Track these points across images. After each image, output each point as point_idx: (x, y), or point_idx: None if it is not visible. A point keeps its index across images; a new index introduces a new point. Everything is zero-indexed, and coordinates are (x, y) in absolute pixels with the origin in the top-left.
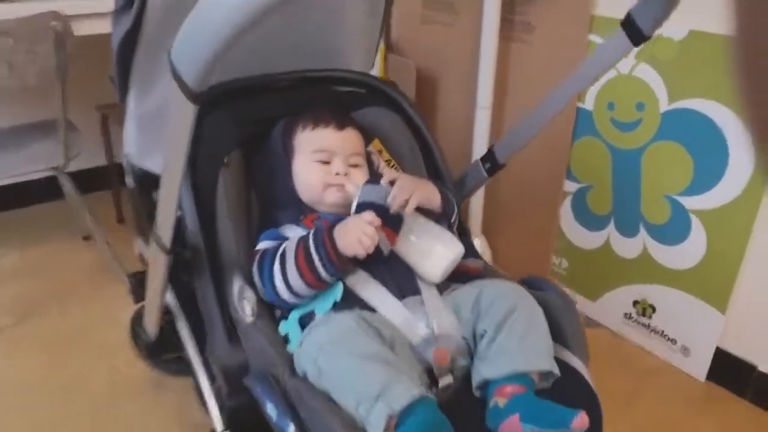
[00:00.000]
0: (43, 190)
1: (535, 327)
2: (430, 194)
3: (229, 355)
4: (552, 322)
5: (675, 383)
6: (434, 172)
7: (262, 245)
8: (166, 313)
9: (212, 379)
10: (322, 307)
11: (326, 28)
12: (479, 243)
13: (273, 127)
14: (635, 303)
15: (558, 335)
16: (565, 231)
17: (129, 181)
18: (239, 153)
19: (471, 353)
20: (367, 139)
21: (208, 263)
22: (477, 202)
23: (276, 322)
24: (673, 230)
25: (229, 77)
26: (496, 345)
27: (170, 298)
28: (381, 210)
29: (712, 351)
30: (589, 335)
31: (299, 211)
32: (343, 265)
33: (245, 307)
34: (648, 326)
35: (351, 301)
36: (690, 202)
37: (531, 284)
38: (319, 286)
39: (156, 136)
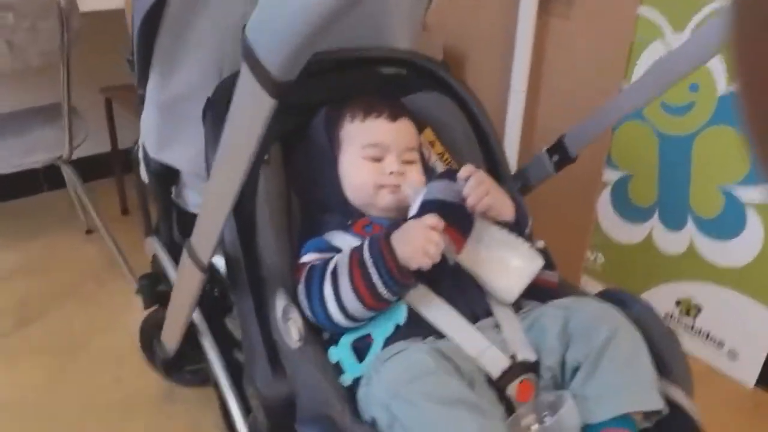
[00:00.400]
0: (42, 179)
1: (639, 358)
2: (504, 198)
3: (272, 386)
4: (650, 349)
5: (721, 390)
6: (494, 168)
7: (308, 258)
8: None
9: (247, 410)
10: (381, 331)
11: (373, 3)
12: (542, 243)
13: (314, 117)
14: (678, 302)
15: (658, 364)
16: (602, 224)
17: (143, 174)
18: (278, 147)
19: (556, 386)
20: (419, 128)
21: (248, 279)
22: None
23: (324, 347)
24: (726, 224)
25: None
26: (595, 381)
27: (196, 315)
28: (450, 209)
29: (764, 355)
30: None
31: (347, 214)
32: (407, 280)
33: (291, 330)
34: (692, 327)
35: (416, 325)
36: (746, 194)
37: (614, 298)
38: (379, 307)
39: (178, 126)
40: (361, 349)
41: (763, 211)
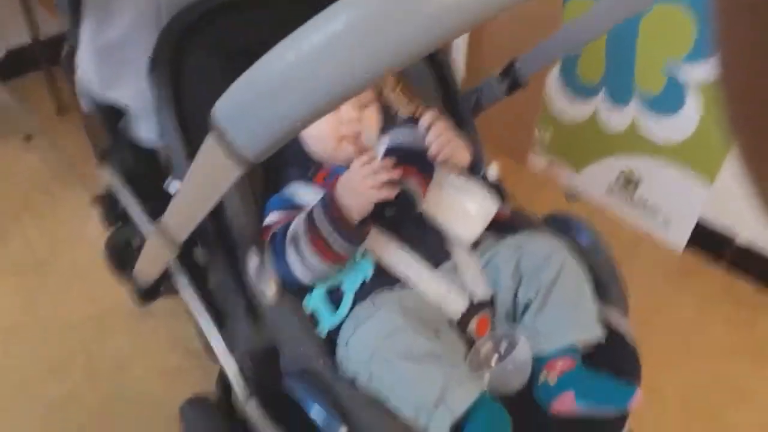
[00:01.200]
0: None
1: (583, 293)
2: (462, 145)
3: (253, 340)
4: (592, 274)
5: (655, 254)
6: (449, 99)
7: (272, 218)
8: None
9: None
10: (351, 283)
11: None
12: (495, 169)
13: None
14: (620, 175)
15: (598, 288)
16: (550, 102)
17: (84, 106)
18: None
19: (509, 320)
20: None
21: (219, 242)
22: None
23: (300, 299)
24: (668, 100)
25: None
26: (543, 317)
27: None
28: (414, 155)
29: (694, 222)
30: (571, 207)
31: (307, 166)
32: (364, 231)
33: (265, 286)
34: (631, 198)
35: (383, 276)
36: (688, 72)
37: (558, 224)
38: (344, 260)
39: (120, 69)
40: (334, 300)
41: (702, 88)
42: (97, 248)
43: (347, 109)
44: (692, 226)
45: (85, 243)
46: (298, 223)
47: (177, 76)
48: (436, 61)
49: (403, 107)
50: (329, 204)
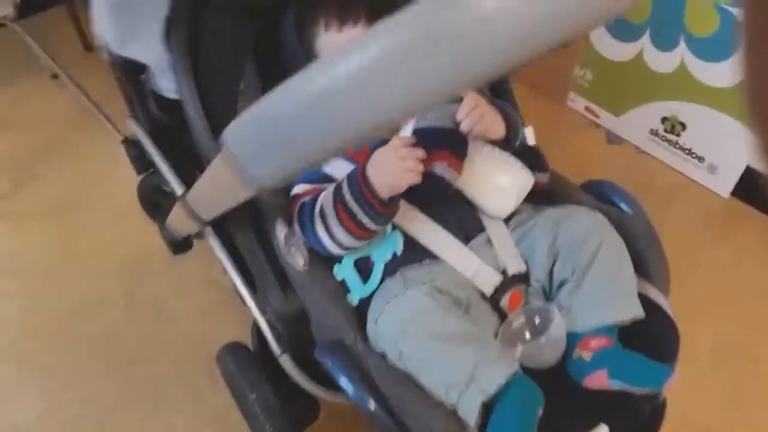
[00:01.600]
0: None
1: (622, 270)
2: (496, 118)
3: (285, 306)
4: (631, 249)
5: (699, 198)
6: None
7: (299, 189)
8: None
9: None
10: (380, 256)
11: None
12: (530, 134)
13: (282, 19)
14: (664, 120)
15: (637, 264)
16: (592, 40)
17: (105, 57)
18: (253, 69)
19: (545, 295)
20: None
21: (246, 211)
22: None
23: (330, 267)
24: (719, 44)
25: None
26: (580, 295)
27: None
28: (443, 135)
29: (741, 169)
30: (611, 151)
31: None
32: (392, 210)
33: (295, 256)
34: (675, 143)
35: (413, 251)
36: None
37: (598, 191)
38: (374, 235)
39: (136, 24)
40: (363, 270)
41: None
42: (129, 187)
43: None
44: (739, 173)
45: (115, 182)
46: (326, 196)
47: (195, 38)
48: None
49: None
50: (359, 180)
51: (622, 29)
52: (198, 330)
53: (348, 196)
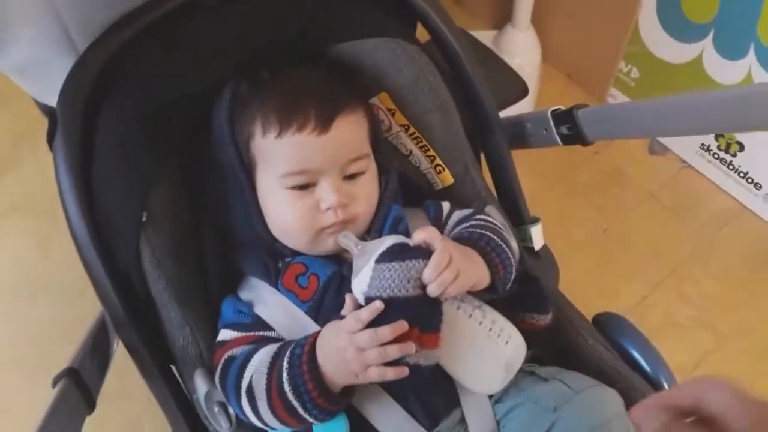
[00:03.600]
0: None
1: None
2: (475, 268)
3: None
4: None
5: (751, 230)
6: (486, 139)
7: (224, 335)
8: None
9: None
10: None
11: None
12: (537, 235)
13: (214, 103)
14: (718, 136)
15: None
16: (643, 34)
17: None
18: (176, 162)
19: None
20: (369, 93)
21: (153, 362)
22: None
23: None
24: None
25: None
26: None
27: None
28: (408, 307)
29: None
30: (652, 162)
31: (274, 254)
32: (347, 398)
33: (218, 418)
34: (729, 164)
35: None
36: None
37: (609, 327)
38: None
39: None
40: None
41: None
42: None
43: (327, 190)
44: None
45: None
46: (257, 372)
47: (89, 138)
48: (465, 81)
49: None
50: (303, 369)
51: (681, 27)
52: None
53: (287, 386)
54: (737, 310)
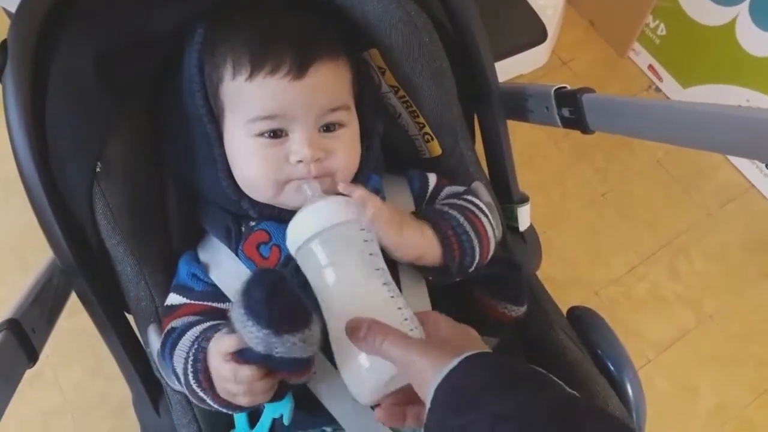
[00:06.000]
0: None
1: None
2: (422, 246)
3: (159, 424)
4: None
5: (754, 208)
6: (479, 115)
7: (173, 299)
8: None
9: None
10: (269, 408)
11: None
12: (525, 214)
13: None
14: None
15: None
16: None
17: None
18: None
19: None
20: (357, 45)
21: (106, 315)
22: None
23: None
24: None
25: None
26: None
27: None
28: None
29: None
30: None
31: (238, 216)
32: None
33: (171, 375)
34: None
35: (308, 415)
36: None
37: (581, 324)
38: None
39: None
40: (253, 413)
41: None
42: None
43: (299, 141)
44: None
45: None
46: (179, 351)
47: (43, 73)
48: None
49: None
50: (202, 367)
51: None
52: None
53: (191, 377)
54: (724, 292)
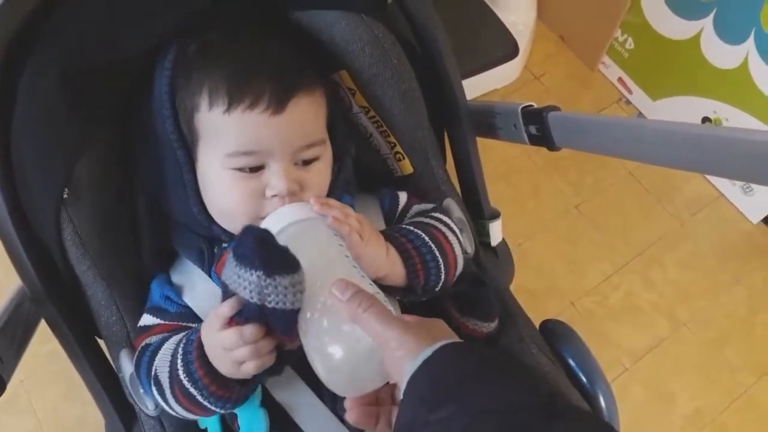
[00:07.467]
0: None
1: None
2: (381, 264)
3: None
4: None
5: (724, 218)
6: (449, 133)
7: (146, 320)
8: None
9: None
10: (246, 423)
11: None
12: (496, 229)
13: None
14: (705, 120)
15: None
16: (643, 3)
17: None
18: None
19: None
20: (329, 69)
21: (76, 341)
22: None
23: None
24: None
25: None
26: None
27: None
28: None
29: None
30: None
31: (210, 238)
32: (241, 390)
33: (144, 399)
34: None
35: (279, 424)
36: None
37: (553, 336)
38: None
39: None
40: (229, 428)
41: None
42: None
43: (275, 174)
44: None
45: None
46: (160, 367)
47: (9, 94)
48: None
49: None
50: (195, 357)
51: (683, 2)
52: None
53: (183, 375)
54: (698, 299)
